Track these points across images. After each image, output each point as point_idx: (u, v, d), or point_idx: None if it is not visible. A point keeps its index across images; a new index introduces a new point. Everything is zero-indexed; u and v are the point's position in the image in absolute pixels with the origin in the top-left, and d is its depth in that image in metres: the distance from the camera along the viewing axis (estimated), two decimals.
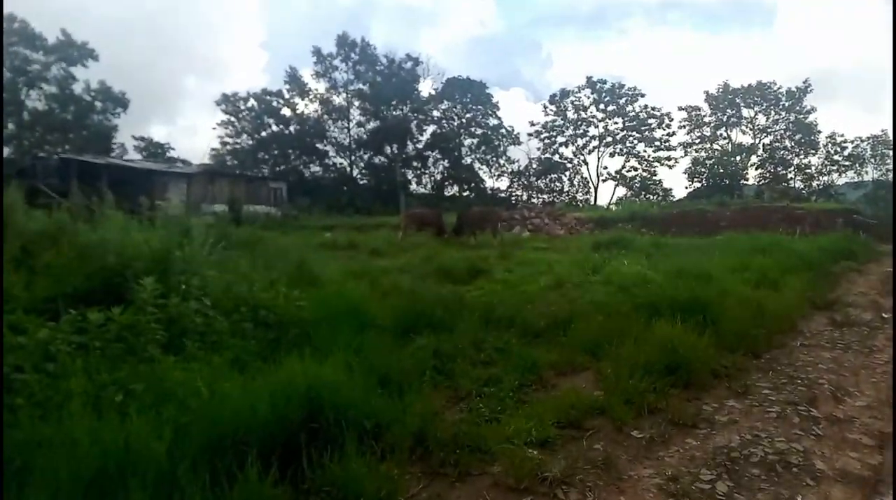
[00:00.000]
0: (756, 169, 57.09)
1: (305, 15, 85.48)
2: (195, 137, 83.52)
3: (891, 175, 50.11)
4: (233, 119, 54.06)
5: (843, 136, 54.57)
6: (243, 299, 5.16)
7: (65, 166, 25.22)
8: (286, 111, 54.88)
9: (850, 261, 12.02)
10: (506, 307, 6.42)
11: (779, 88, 56.41)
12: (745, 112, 57.83)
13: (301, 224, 31.50)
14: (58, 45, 43.96)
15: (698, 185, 55.17)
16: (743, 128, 58.19)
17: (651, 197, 54.83)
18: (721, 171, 54.79)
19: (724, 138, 58.51)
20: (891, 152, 52.12)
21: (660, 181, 58.03)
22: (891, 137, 51.79)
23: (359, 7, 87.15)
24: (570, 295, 7.43)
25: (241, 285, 5.38)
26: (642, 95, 56.70)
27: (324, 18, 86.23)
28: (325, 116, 55.87)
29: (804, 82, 55.89)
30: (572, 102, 57.92)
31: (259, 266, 7.13)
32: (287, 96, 54.92)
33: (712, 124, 58.18)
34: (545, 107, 58.68)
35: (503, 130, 58.08)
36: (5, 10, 40.15)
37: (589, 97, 57.61)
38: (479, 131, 57.98)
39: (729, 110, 57.63)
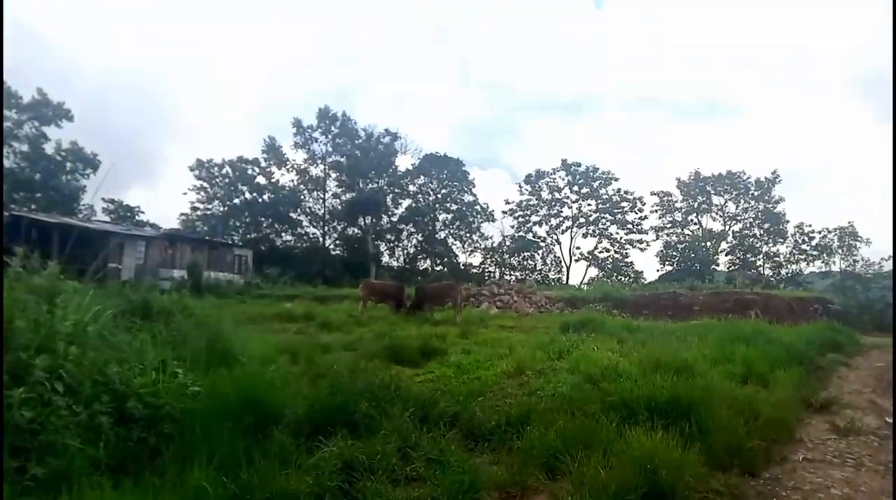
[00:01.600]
0: (726, 255, 57.98)
1: (296, 91, 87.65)
2: (174, 202, 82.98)
3: (858, 266, 50.92)
4: (205, 185, 53.53)
5: (810, 226, 55.92)
6: (111, 385, 4.06)
7: (14, 224, 23.90)
8: (261, 179, 54.63)
9: (836, 353, 11.21)
10: (452, 399, 5.36)
11: (748, 178, 58.06)
12: (716, 200, 59.11)
13: (263, 293, 30.17)
14: (32, 104, 43.55)
15: (670, 268, 55.46)
16: (713, 214, 59.32)
17: (622, 278, 54.79)
18: (692, 255, 55.37)
19: (695, 224, 59.51)
20: (857, 243, 53.32)
21: (631, 263, 58.45)
22: (857, 229, 53.18)
23: (349, 88, 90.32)
24: (531, 385, 6.39)
25: (116, 366, 4.28)
26: (616, 179, 57.97)
27: (313, 95, 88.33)
28: (302, 186, 55.87)
29: (773, 173, 57.63)
30: (547, 183, 58.94)
31: (166, 342, 6.01)
32: (264, 165, 54.84)
33: (683, 210, 59.20)
34: (520, 186, 59.64)
35: (478, 207, 58.54)
36: None
37: (563, 179, 58.76)
38: (454, 207, 58.29)
39: (700, 197, 58.79)
